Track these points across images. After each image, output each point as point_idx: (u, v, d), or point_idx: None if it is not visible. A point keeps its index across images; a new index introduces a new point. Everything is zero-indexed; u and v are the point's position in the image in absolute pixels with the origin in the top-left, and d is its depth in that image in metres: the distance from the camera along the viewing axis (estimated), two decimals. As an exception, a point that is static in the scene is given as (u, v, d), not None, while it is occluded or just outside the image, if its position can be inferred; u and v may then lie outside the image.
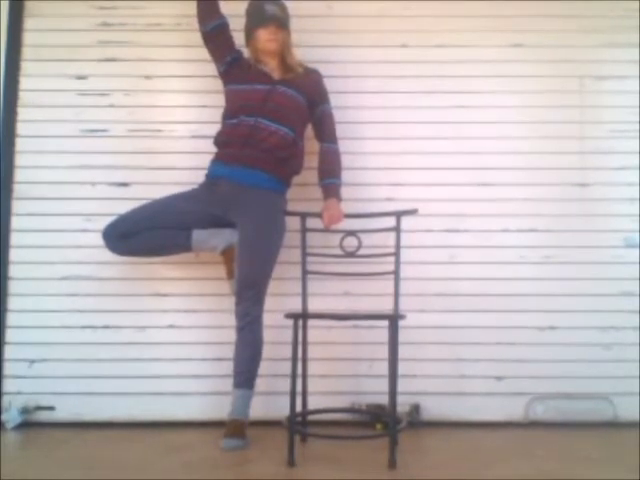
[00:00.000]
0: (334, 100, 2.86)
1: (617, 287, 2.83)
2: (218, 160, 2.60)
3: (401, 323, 2.30)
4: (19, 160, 2.89)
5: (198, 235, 2.53)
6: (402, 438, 2.27)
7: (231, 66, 2.64)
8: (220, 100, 2.79)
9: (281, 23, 2.60)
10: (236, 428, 2.37)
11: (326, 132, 2.67)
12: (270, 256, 2.50)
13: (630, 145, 2.90)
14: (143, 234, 2.49)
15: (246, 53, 2.69)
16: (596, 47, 2.95)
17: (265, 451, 2.32)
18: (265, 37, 2.59)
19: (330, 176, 2.63)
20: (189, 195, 2.59)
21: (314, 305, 2.60)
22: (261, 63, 2.64)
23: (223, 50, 2.64)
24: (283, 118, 2.54)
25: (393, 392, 2.22)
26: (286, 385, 2.25)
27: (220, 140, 2.60)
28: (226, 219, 2.54)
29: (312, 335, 2.58)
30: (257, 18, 2.61)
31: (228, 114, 2.59)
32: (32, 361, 2.79)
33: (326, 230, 2.56)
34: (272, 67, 2.63)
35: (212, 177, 2.60)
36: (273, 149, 2.52)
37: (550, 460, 2.24)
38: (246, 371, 2.43)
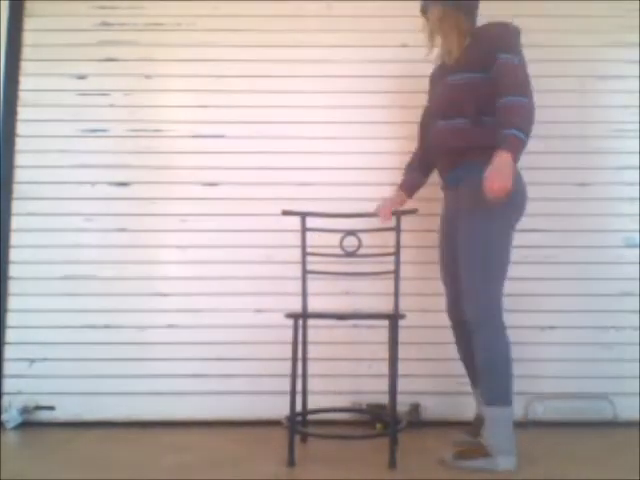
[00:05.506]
0: (333, 100, 2.88)
1: (617, 287, 2.83)
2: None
3: (401, 323, 2.30)
4: (19, 160, 2.89)
5: None
6: (402, 438, 2.27)
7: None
8: (219, 99, 2.82)
9: (425, 6, 2.39)
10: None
11: (500, 86, 2.16)
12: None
13: (630, 145, 2.90)
14: None
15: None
16: (596, 47, 2.95)
17: (265, 451, 2.32)
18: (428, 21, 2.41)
19: (501, 129, 2.11)
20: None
21: (314, 305, 2.60)
22: (445, 56, 2.40)
23: None
24: (455, 110, 2.27)
25: (393, 392, 2.22)
26: (286, 385, 2.25)
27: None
28: None
29: (312, 335, 2.58)
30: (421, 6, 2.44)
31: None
32: (32, 361, 2.79)
33: (326, 230, 2.55)
34: (454, 55, 2.34)
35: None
36: (448, 145, 2.31)
37: (550, 460, 2.24)
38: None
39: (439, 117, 2.34)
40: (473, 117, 2.24)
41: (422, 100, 2.91)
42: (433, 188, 2.82)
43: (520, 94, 2.12)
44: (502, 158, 2.03)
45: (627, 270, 2.85)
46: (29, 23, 2.95)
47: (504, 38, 2.25)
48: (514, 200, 2.17)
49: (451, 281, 2.41)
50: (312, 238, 2.58)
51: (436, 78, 2.47)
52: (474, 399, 2.48)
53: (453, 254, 2.33)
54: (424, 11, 2.43)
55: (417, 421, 2.67)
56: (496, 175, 2.02)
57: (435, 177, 2.82)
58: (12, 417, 2.68)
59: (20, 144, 2.90)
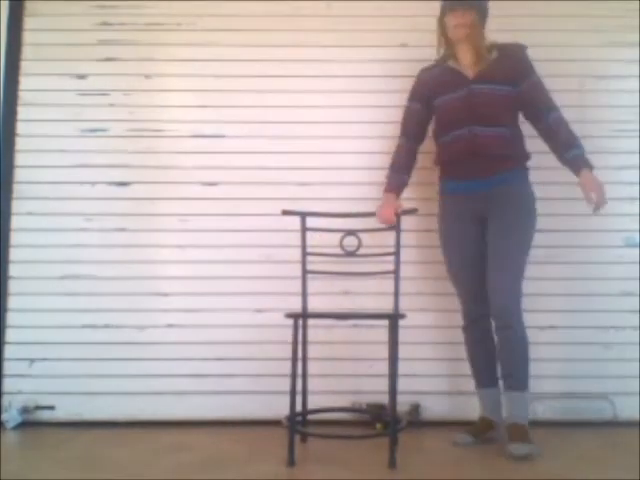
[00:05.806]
0: (333, 100, 2.88)
1: (617, 287, 2.84)
2: (448, 178, 2.55)
3: (401, 322, 2.30)
4: (19, 159, 2.89)
5: None
6: (402, 438, 2.26)
7: (430, 96, 2.54)
8: (219, 99, 2.82)
9: (468, 5, 2.41)
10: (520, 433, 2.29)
11: (539, 102, 2.45)
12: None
13: (630, 144, 2.90)
14: None
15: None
16: (596, 46, 2.95)
17: (265, 451, 2.32)
18: (452, 22, 2.44)
19: (568, 148, 2.42)
20: None
21: (314, 304, 2.60)
22: (454, 59, 2.51)
23: (426, 117, 2.61)
24: (496, 119, 2.41)
25: (393, 391, 2.23)
26: (286, 385, 2.25)
27: (442, 160, 2.55)
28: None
29: (312, 334, 2.58)
30: (446, 5, 2.48)
31: (439, 132, 2.53)
32: (32, 360, 2.79)
33: (326, 230, 2.55)
34: (468, 61, 2.47)
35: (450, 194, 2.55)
36: (491, 152, 2.41)
37: (550, 460, 2.24)
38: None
39: (472, 123, 2.40)
40: (511, 127, 2.45)
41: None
42: (433, 188, 2.82)
43: (557, 108, 2.45)
44: (590, 176, 2.36)
45: (627, 270, 2.85)
46: (29, 23, 2.95)
47: (528, 58, 2.48)
48: (536, 207, 2.47)
49: (471, 281, 2.46)
50: (312, 238, 2.58)
51: (446, 82, 2.48)
52: (479, 400, 2.49)
53: (476, 255, 2.44)
54: (444, 13, 2.47)
55: (417, 421, 2.67)
56: (597, 190, 2.34)
57: (434, 177, 2.84)
58: (12, 417, 2.68)
59: (20, 144, 2.90)
